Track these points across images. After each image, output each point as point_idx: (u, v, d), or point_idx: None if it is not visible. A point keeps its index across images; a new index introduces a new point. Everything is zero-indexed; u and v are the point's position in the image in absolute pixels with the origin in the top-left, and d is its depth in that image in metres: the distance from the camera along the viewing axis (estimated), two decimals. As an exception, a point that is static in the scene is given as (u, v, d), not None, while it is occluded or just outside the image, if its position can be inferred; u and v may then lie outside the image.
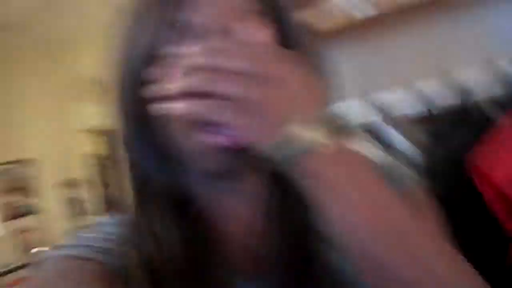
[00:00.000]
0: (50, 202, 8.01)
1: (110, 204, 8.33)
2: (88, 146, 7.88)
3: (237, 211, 0.74)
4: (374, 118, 2.03)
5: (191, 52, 0.57)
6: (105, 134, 7.50)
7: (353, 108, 2.00)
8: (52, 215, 7.97)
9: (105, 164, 7.83)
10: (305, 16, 1.89)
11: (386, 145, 1.98)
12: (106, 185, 8.16)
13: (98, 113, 7.83)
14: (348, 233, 0.57)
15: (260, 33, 0.66)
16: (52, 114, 6.91)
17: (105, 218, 0.80)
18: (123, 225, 0.74)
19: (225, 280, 0.69)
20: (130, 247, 0.70)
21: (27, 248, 7.91)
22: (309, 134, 0.55)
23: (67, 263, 0.69)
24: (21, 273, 7.68)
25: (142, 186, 0.72)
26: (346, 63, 2.14)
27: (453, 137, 1.71)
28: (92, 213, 8.20)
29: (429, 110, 1.90)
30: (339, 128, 0.58)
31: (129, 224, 0.72)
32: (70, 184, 8.17)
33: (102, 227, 0.78)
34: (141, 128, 0.70)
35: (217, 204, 0.74)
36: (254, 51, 0.58)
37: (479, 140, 1.61)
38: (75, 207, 8.37)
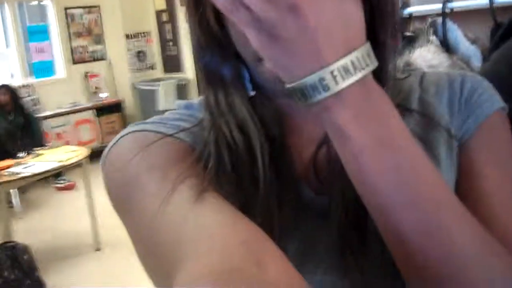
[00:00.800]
0: (118, 51, 8.23)
1: (170, 61, 8.48)
2: (161, 1, 7.91)
3: (306, 124, 0.72)
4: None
5: None
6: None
7: None
8: (118, 64, 8.20)
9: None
10: None
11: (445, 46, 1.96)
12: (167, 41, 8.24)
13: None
14: (371, 198, 0.57)
15: None
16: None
17: (183, 101, 0.81)
18: (201, 108, 0.74)
19: (293, 183, 0.69)
20: (209, 128, 0.69)
21: (93, 91, 8.28)
22: (333, 81, 0.51)
23: (150, 137, 0.68)
24: (86, 114, 8.14)
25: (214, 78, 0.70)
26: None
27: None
28: (154, 67, 8.37)
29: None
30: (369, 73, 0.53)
31: (207, 110, 0.71)
32: (139, 36, 8.32)
33: (181, 110, 0.79)
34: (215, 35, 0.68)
35: (288, 110, 0.72)
36: None
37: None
38: (141, 59, 8.55)
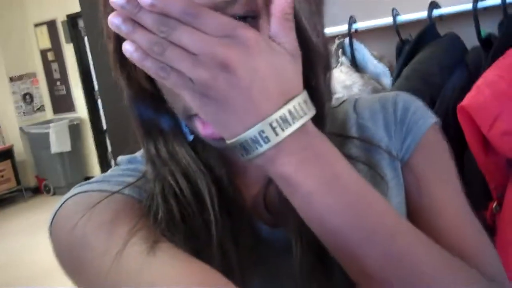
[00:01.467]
0: (3, 95, 7.88)
1: (60, 101, 8.23)
2: (45, 41, 7.69)
3: (251, 164, 0.68)
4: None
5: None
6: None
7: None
8: (4, 108, 7.85)
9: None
10: None
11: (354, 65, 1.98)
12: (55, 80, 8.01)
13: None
14: (328, 238, 0.58)
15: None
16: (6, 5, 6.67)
17: (125, 157, 0.80)
18: (143, 161, 0.73)
19: (247, 220, 0.68)
20: (153, 180, 0.69)
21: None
22: (269, 134, 0.52)
23: (95, 196, 0.67)
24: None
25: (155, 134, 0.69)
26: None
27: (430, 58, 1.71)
28: (42, 108, 8.08)
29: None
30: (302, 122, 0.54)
31: (149, 161, 0.70)
32: (24, 77, 8.02)
33: (124, 165, 0.78)
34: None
35: (230, 153, 0.70)
36: (219, 32, 0.51)
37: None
38: (28, 101, 8.23)
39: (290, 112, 0.53)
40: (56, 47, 8.10)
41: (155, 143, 0.69)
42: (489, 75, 1.48)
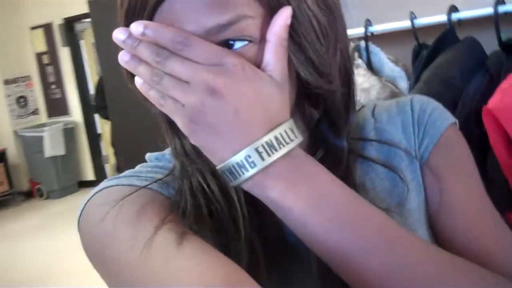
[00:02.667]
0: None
1: (55, 105, 8.20)
2: (41, 44, 7.67)
3: None
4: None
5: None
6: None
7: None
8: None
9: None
10: None
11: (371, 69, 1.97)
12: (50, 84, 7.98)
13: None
14: (327, 256, 0.58)
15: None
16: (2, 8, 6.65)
17: (154, 154, 0.81)
18: (171, 159, 0.75)
19: (275, 220, 0.66)
20: (181, 177, 0.70)
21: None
22: (254, 160, 0.55)
23: (124, 191, 0.67)
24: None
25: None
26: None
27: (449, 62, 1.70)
28: (37, 112, 8.05)
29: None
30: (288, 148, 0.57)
31: (176, 159, 0.72)
32: (19, 80, 7.98)
33: (153, 162, 0.79)
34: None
35: None
36: (208, 60, 0.55)
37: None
38: (23, 105, 8.19)
39: (276, 138, 0.56)
40: (52, 51, 8.07)
41: (182, 141, 0.70)
42: (515, 78, 1.47)
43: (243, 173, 0.56)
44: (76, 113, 8.15)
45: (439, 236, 0.72)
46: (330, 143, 0.70)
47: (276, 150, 0.55)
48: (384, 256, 0.56)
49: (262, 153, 0.55)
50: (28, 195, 8.07)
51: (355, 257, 0.56)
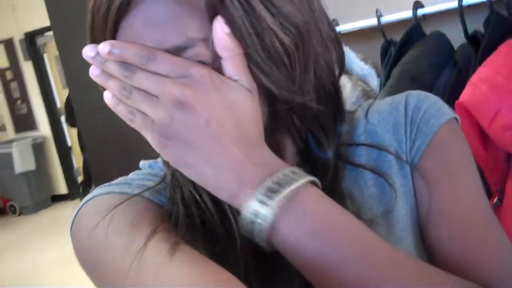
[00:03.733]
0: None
1: (21, 120, 8.09)
2: (3, 60, 7.56)
3: None
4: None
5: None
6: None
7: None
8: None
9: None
10: None
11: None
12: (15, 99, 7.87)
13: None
14: (300, 268, 0.58)
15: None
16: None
17: (147, 162, 0.80)
18: (164, 167, 0.74)
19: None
20: (173, 186, 0.69)
21: None
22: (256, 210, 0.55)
23: (115, 199, 0.67)
24: None
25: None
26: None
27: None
28: (3, 128, 7.93)
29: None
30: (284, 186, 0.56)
31: (167, 169, 0.72)
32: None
33: (145, 169, 0.78)
34: None
35: None
36: (180, 75, 0.55)
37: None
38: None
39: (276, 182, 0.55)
40: (15, 66, 7.95)
41: None
42: (484, 71, 1.49)
43: (261, 225, 0.55)
44: (44, 127, 8.05)
45: (426, 243, 0.70)
46: (317, 155, 0.69)
47: (279, 192, 0.55)
48: (358, 268, 0.55)
49: (265, 198, 0.55)
50: (1, 212, 7.94)
51: (329, 268, 0.55)
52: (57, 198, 8.14)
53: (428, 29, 1.84)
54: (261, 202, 0.54)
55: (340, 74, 0.70)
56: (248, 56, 0.58)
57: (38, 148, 7.89)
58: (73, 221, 0.69)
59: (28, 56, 7.79)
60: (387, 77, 1.80)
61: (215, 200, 0.65)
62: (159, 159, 0.78)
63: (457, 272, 0.60)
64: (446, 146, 0.72)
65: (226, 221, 0.66)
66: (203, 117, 0.54)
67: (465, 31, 1.72)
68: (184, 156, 0.56)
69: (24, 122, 8.17)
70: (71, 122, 7.52)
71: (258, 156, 0.58)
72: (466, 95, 1.47)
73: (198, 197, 0.67)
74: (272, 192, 0.54)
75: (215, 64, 0.57)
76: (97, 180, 2.37)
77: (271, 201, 0.54)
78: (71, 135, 8.14)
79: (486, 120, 1.41)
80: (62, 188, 8.18)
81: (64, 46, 2.27)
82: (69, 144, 8.22)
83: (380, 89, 1.87)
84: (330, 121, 0.69)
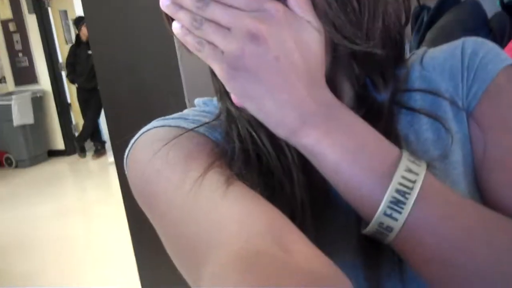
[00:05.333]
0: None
1: (22, 73, 8.04)
2: (6, 11, 7.47)
3: None
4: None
5: None
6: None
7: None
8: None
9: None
10: None
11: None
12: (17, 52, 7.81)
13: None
14: (358, 206, 0.59)
15: None
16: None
17: (202, 99, 0.81)
18: (219, 104, 0.74)
19: (323, 182, 0.65)
20: (229, 122, 0.70)
21: None
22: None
23: (172, 132, 0.68)
24: None
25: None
26: None
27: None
28: (3, 80, 7.87)
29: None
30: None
31: (224, 109, 0.72)
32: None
33: (201, 107, 0.79)
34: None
35: None
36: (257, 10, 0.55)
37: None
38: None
39: (397, 190, 0.55)
40: (18, 18, 7.87)
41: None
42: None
43: (396, 219, 0.55)
44: (44, 81, 8.02)
45: (482, 191, 0.69)
46: (374, 98, 0.70)
47: (404, 203, 0.55)
48: (415, 207, 0.55)
49: (392, 211, 0.55)
50: (-3, 164, 7.96)
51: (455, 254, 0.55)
52: (54, 153, 8.16)
53: (462, -4, 1.86)
54: (390, 216, 0.56)
55: (406, 24, 0.70)
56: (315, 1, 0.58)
57: (37, 102, 7.88)
58: (128, 151, 0.71)
59: (33, 9, 7.71)
60: (420, 41, 1.82)
61: (271, 136, 0.65)
62: (214, 98, 0.79)
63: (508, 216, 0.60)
64: (504, 92, 0.70)
65: (282, 155, 0.66)
66: (274, 52, 0.54)
67: (501, -1, 1.75)
68: (250, 89, 0.56)
69: (24, 75, 8.13)
70: (72, 79, 7.52)
71: (321, 96, 0.58)
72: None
73: (254, 133, 0.67)
74: (397, 204, 0.55)
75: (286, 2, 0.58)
76: (113, 140, 2.37)
77: (400, 215, 0.55)
78: (71, 92, 8.11)
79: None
80: (59, 143, 8.18)
81: (89, 6, 2.25)
82: (69, 100, 8.20)
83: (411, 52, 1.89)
84: (390, 67, 0.69)
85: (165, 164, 0.64)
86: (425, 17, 1.89)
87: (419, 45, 1.81)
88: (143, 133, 0.71)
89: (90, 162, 7.86)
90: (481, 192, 0.69)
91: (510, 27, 1.67)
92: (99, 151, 7.94)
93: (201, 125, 0.70)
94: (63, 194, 6.41)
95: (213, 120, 0.72)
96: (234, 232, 0.51)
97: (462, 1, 1.84)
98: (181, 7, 0.58)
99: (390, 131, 0.66)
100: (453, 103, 0.71)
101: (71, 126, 8.21)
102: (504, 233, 0.57)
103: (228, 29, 0.55)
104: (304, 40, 0.56)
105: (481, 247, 0.55)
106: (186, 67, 1.81)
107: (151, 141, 0.68)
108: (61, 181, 7.06)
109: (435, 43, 1.73)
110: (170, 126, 0.70)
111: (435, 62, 0.74)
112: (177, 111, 0.76)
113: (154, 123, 0.72)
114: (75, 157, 8.13)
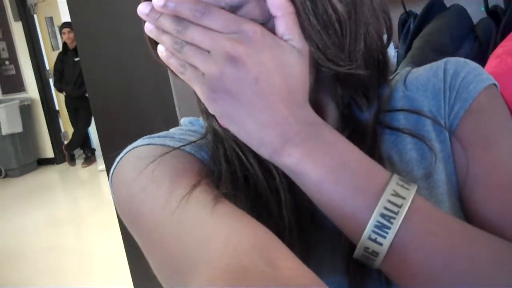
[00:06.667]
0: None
1: (9, 81, 7.98)
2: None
3: None
4: None
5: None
6: None
7: None
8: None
9: None
10: None
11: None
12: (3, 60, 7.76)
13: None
14: (342, 224, 0.59)
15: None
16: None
17: (188, 118, 0.81)
18: (205, 124, 0.74)
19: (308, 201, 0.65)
20: (216, 142, 0.71)
21: None
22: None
23: (157, 151, 0.68)
24: None
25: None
26: None
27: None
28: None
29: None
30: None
31: (210, 129, 0.73)
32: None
33: (187, 126, 0.80)
34: None
35: None
36: (233, 30, 0.56)
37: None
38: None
39: (386, 208, 0.55)
40: (4, 25, 7.82)
41: None
42: (509, 44, 1.52)
43: (381, 244, 0.55)
44: (32, 89, 7.98)
45: (465, 209, 0.70)
46: (357, 118, 0.70)
47: (394, 220, 0.55)
48: (400, 230, 0.55)
49: (380, 230, 0.55)
50: (-14, 174, 7.89)
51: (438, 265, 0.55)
52: (43, 162, 8.12)
53: (448, 3, 1.87)
54: (377, 234, 0.56)
55: (388, 44, 0.71)
56: (299, 21, 0.58)
57: (26, 111, 7.83)
58: (113, 171, 0.71)
59: (18, 16, 7.67)
60: (408, 48, 1.83)
61: (258, 157, 0.65)
62: (200, 118, 0.79)
63: (497, 235, 0.61)
64: (485, 111, 0.71)
65: (270, 176, 0.67)
66: (253, 73, 0.55)
67: (486, 5, 1.76)
68: (231, 111, 0.57)
69: (11, 83, 8.07)
70: (59, 88, 7.47)
71: (303, 115, 0.58)
72: (491, 67, 1.50)
73: (241, 153, 0.68)
74: (382, 228, 0.55)
75: (267, 24, 0.59)
76: (104, 148, 2.36)
77: (384, 239, 0.56)
78: (59, 99, 8.07)
79: (510, 92, 1.44)
80: (48, 151, 8.14)
81: (76, 13, 2.24)
82: (57, 107, 8.16)
83: (398, 60, 1.90)
84: (374, 87, 0.70)
85: (150, 182, 0.64)
86: (412, 24, 1.91)
87: (406, 52, 1.83)
88: (129, 151, 0.71)
89: (80, 170, 7.81)
90: (464, 210, 0.70)
91: (495, 33, 1.68)
92: (89, 159, 7.90)
93: (187, 144, 0.71)
94: (54, 204, 6.37)
95: (200, 139, 0.73)
96: (221, 249, 0.51)
97: (448, 8, 1.85)
98: (164, 31, 0.59)
99: (374, 152, 0.68)
100: (436, 122, 0.72)
101: (60, 134, 8.17)
102: (486, 249, 0.57)
103: (208, 52, 0.56)
104: (284, 61, 0.57)
105: (464, 263, 0.55)
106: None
107: (137, 159, 0.68)
108: (51, 190, 7.02)
109: (423, 50, 1.75)
110: (155, 144, 0.71)
111: (418, 82, 0.76)
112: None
113: (139, 141, 0.72)
114: (65, 165, 8.09)
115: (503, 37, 1.62)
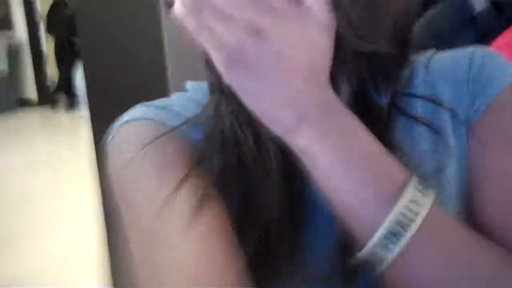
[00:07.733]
0: None
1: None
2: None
3: None
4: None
5: None
6: None
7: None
8: None
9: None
10: None
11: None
12: None
13: None
14: (346, 213, 0.56)
15: None
16: None
17: (193, 84, 0.77)
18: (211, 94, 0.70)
19: (304, 186, 0.64)
20: (215, 120, 0.67)
21: None
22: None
23: (151, 131, 0.67)
24: None
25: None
26: None
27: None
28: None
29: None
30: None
31: (211, 93, 0.69)
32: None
33: (191, 93, 0.76)
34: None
35: None
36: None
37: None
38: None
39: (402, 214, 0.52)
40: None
41: (220, 76, 0.64)
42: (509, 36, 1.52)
43: (392, 251, 0.53)
44: (20, 29, 7.87)
45: (472, 209, 0.67)
46: (372, 99, 0.67)
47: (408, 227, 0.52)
48: (411, 240, 0.53)
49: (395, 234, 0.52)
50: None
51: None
52: (26, 103, 8.06)
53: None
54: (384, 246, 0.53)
55: (414, 22, 0.67)
56: None
57: (13, 49, 7.74)
58: (108, 144, 0.70)
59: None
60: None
61: (257, 139, 0.63)
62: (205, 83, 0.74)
63: (495, 238, 0.60)
64: (507, 109, 0.67)
65: (265, 161, 0.64)
66: (276, 47, 0.51)
67: (490, -5, 1.74)
68: (247, 83, 0.53)
69: (0, 20, 7.92)
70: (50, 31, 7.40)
71: (322, 95, 0.55)
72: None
73: (240, 132, 0.64)
74: (396, 235, 0.53)
75: None
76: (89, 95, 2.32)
77: (396, 246, 0.53)
78: (48, 45, 7.98)
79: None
80: (32, 93, 8.08)
81: None
82: (45, 50, 8.07)
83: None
84: (394, 67, 0.67)
85: (140, 172, 0.64)
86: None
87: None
88: (126, 122, 0.69)
89: (62, 116, 7.78)
90: (471, 210, 0.67)
91: (496, 24, 1.67)
92: (72, 104, 7.84)
93: (183, 123, 0.68)
94: (33, 145, 6.35)
95: (197, 116, 0.69)
96: (183, 283, 0.55)
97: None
98: None
99: (385, 138, 0.63)
100: (454, 115, 0.68)
101: (46, 77, 8.09)
102: (490, 263, 0.56)
103: (229, 18, 0.51)
104: (309, 36, 0.53)
105: (467, 279, 0.54)
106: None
107: (131, 139, 0.67)
108: (32, 132, 7.01)
109: (421, 35, 1.74)
110: (152, 119, 0.69)
111: (442, 68, 0.72)
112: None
113: (138, 110, 0.70)
114: (47, 108, 8.02)
115: (506, 28, 1.61)
